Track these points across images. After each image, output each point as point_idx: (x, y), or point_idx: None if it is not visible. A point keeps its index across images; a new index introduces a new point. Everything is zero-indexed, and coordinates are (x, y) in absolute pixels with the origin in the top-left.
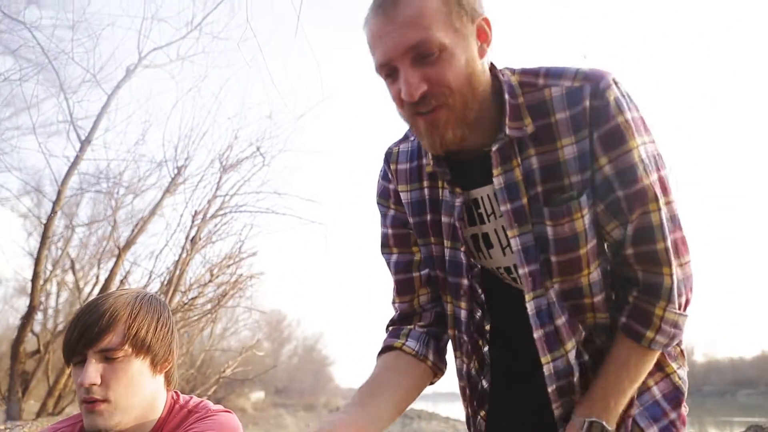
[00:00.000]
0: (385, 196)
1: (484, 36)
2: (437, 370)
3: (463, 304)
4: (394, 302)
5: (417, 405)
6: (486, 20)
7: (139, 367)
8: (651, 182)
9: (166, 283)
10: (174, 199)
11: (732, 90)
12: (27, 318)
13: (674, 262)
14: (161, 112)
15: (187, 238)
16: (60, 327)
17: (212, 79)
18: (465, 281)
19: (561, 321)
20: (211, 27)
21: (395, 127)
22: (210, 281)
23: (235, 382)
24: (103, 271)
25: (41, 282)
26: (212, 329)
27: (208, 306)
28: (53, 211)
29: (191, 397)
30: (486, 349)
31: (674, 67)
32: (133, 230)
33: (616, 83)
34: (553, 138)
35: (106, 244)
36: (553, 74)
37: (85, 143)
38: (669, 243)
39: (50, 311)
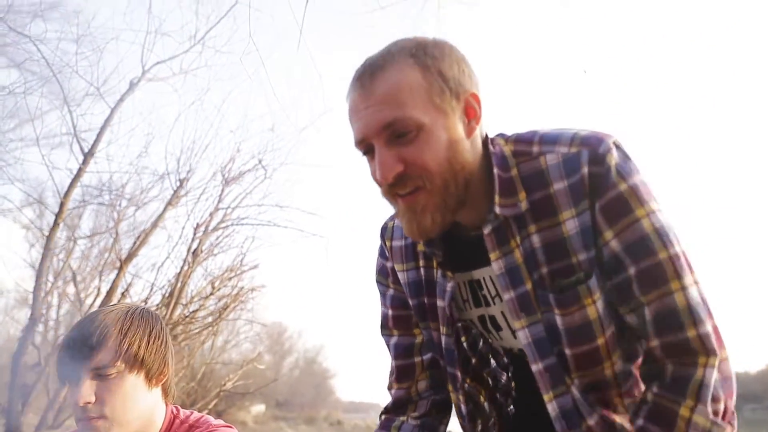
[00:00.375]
0: (383, 274)
1: (472, 113)
2: None
3: (461, 397)
4: (390, 387)
5: None
6: (474, 96)
7: (133, 382)
8: (670, 256)
9: (167, 295)
10: (176, 211)
11: (732, 89)
12: (28, 330)
13: (711, 355)
14: (164, 125)
15: (188, 250)
16: (61, 339)
17: (215, 92)
18: (458, 373)
19: (594, 420)
20: (214, 41)
21: None
22: (211, 294)
23: (235, 395)
24: (105, 283)
25: (43, 294)
26: (213, 342)
27: (210, 319)
28: (55, 223)
29: (192, 412)
30: None
31: (673, 67)
32: (134, 242)
33: (617, 146)
34: (554, 211)
35: (108, 256)
36: (548, 140)
37: (88, 156)
38: (703, 330)
39: (51, 323)
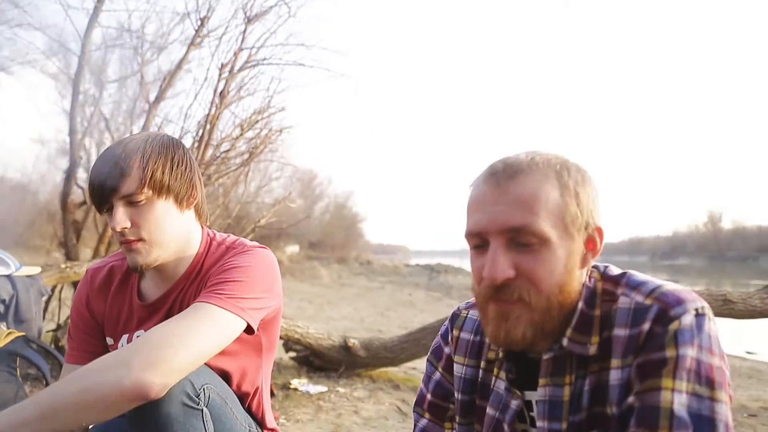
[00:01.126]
0: (437, 356)
1: (592, 245)
2: None
3: None
4: None
5: (444, 260)
6: (599, 230)
7: (163, 207)
8: None
9: (197, 138)
10: (199, 53)
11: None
12: (70, 171)
13: None
14: None
15: (215, 92)
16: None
17: None
18: None
19: None
20: None
21: None
22: (241, 135)
23: (270, 235)
24: (136, 128)
25: (79, 137)
26: (246, 183)
27: (240, 159)
28: (80, 65)
29: (228, 235)
30: None
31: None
32: (161, 85)
33: (699, 314)
34: (608, 355)
35: (137, 100)
36: (631, 285)
37: None
38: None
39: (86, 164)
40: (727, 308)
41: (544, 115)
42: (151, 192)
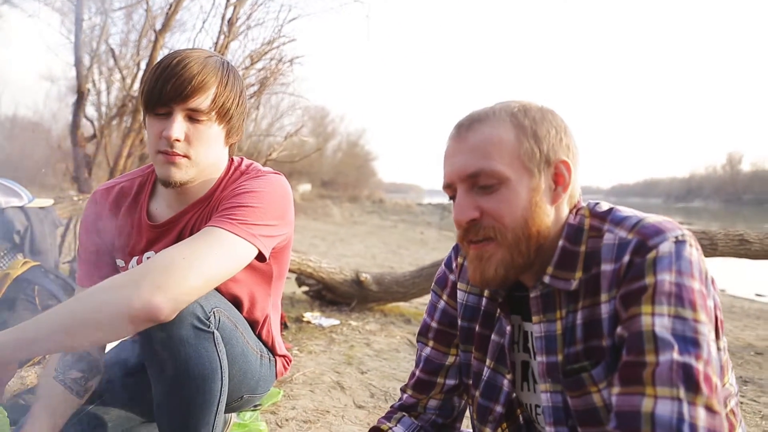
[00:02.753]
0: (441, 285)
1: (561, 180)
2: None
3: (487, 430)
4: (404, 391)
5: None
6: (565, 163)
7: (217, 134)
8: (657, 362)
9: None
10: None
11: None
12: (78, 103)
13: None
14: None
15: (223, 19)
16: (113, 111)
17: None
18: (499, 408)
19: None
20: None
21: None
22: (252, 65)
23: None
24: (144, 59)
25: (85, 68)
26: (257, 118)
27: (251, 90)
28: None
29: (242, 159)
30: None
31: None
32: (167, 12)
33: (679, 242)
34: (597, 291)
35: (143, 30)
36: (616, 220)
37: None
38: None
39: (94, 99)
40: (743, 248)
41: (557, 53)
42: (215, 116)
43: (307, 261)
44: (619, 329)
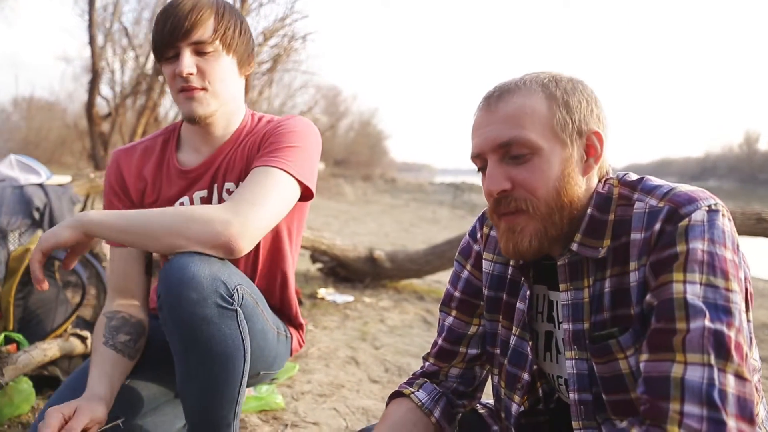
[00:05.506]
0: (465, 255)
1: (593, 151)
2: (440, 430)
3: (516, 398)
4: (426, 359)
5: (469, 179)
6: (597, 134)
7: (228, 63)
8: (688, 329)
9: None
10: None
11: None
12: (93, 82)
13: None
14: None
15: None
16: (127, 89)
17: None
18: (526, 375)
19: None
20: None
21: None
22: (264, 42)
23: None
24: None
25: (98, 47)
26: (270, 96)
27: (264, 67)
28: None
29: (263, 115)
30: None
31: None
32: None
33: (711, 210)
34: (626, 260)
35: (155, 8)
36: (647, 189)
37: None
38: (689, 411)
39: (109, 78)
40: (760, 227)
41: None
42: (220, 46)
43: (320, 238)
44: (648, 297)
